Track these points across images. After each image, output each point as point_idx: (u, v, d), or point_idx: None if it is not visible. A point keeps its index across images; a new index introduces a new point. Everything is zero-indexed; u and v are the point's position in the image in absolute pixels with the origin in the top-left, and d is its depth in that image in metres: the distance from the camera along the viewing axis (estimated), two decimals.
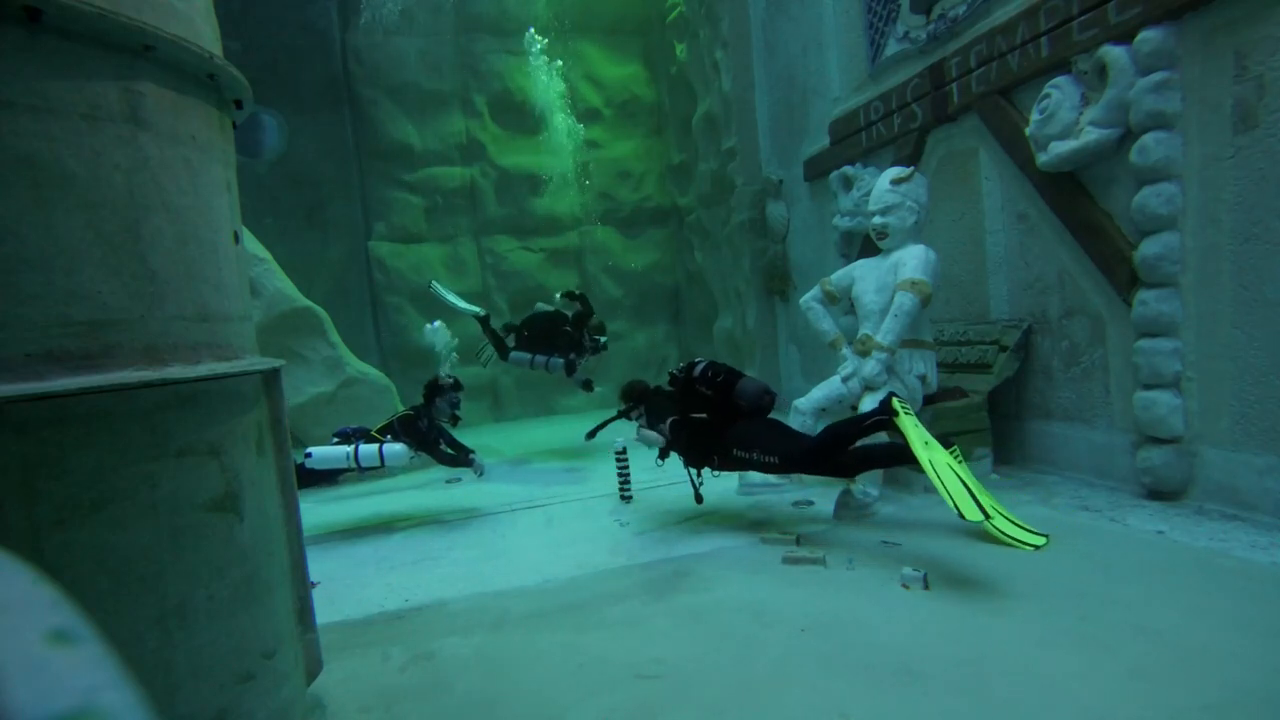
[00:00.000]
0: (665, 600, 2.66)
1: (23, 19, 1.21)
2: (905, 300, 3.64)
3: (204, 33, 1.59)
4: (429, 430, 4.61)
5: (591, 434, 4.34)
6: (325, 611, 2.65)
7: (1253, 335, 2.94)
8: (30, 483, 1.17)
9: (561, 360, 5.89)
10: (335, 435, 4.53)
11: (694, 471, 3.71)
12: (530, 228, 9.45)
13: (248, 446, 1.60)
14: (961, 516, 2.57)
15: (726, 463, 3.49)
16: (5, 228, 1.19)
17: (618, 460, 4.37)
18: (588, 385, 6.12)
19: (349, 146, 8.91)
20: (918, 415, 3.96)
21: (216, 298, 1.55)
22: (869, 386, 3.77)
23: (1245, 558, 2.53)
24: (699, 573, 2.92)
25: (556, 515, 4.17)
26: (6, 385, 1.15)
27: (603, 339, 6.08)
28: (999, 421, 4.17)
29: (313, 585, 2.05)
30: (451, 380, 4.89)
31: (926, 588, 2.52)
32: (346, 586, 3.18)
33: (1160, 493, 3.27)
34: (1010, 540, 2.84)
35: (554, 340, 5.93)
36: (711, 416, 3.48)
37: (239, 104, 1.76)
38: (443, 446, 4.70)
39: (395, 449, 4.25)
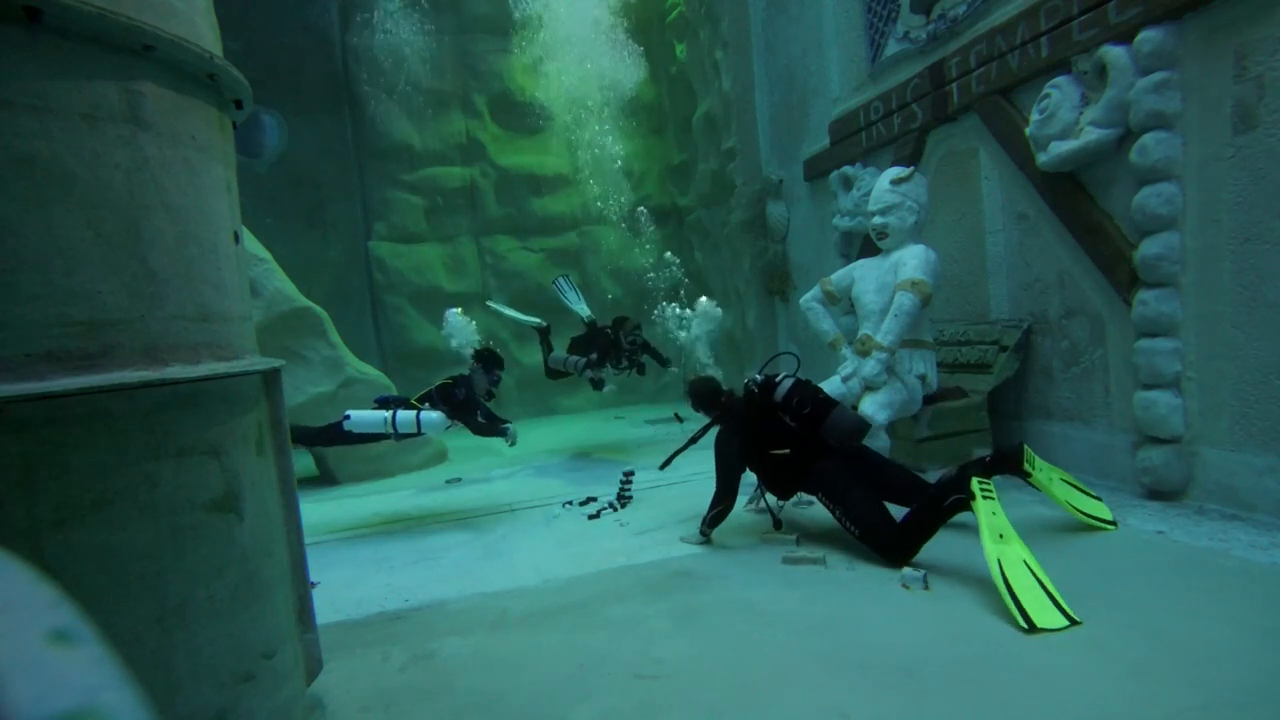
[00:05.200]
0: (665, 600, 2.66)
1: (23, 19, 1.21)
2: (905, 300, 3.64)
3: (204, 33, 1.59)
4: (466, 399, 4.68)
5: (666, 463, 3.69)
6: (325, 611, 2.66)
7: (1253, 335, 2.93)
8: (30, 483, 1.17)
9: (583, 360, 6.05)
10: (376, 401, 4.65)
11: (773, 498, 3.38)
12: (530, 228, 9.45)
13: (248, 446, 1.60)
14: (1030, 627, 2.10)
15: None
16: (5, 228, 1.19)
17: (624, 480, 4.44)
18: (596, 383, 6.19)
19: (349, 146, 8.91)
20: (918, 415, 3.99)
21: (216, 298, 1.55)
22: (869, 386, 3.77)
23: (1245, 558, 2.53)
24: (699, 573, 2.92)
25: (556, 515, 4.17)
26: (6, 385, 1.15)
27: (643, 358, 6.21)
28: (999, 421, 4.17)
29: (313, 585, 2.05)
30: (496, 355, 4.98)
31: (926, 588, 2.52)
32: (346, 586, 3.18)
33: (1160, 493, 3.27)
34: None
35: (593, 346, 6.11)
36: (793, 450, 3.18)
37: (239, 104, 1.76)
38: (478, 417, 4.77)
39: (432, 417, 4.31)
